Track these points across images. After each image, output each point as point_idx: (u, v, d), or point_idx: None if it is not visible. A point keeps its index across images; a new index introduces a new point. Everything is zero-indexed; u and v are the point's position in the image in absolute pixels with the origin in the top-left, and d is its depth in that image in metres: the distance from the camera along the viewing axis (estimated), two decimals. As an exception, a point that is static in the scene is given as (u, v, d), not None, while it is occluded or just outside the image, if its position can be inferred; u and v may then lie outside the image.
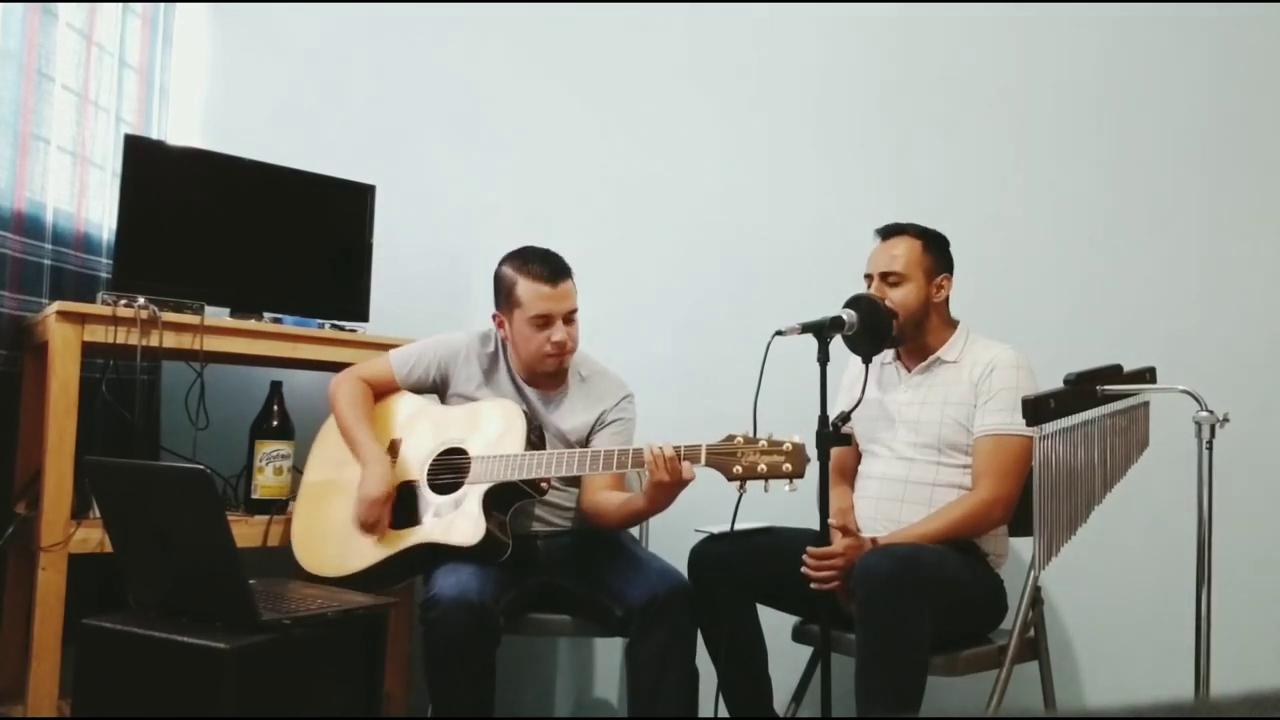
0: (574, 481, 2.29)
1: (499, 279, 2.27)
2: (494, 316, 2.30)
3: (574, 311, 2.25)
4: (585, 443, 2.30)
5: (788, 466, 1.89)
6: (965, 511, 2.03)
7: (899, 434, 2.15)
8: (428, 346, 2.37)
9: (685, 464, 1.94)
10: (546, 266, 2.21)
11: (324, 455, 2.37)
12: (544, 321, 2.20)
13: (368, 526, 2.16)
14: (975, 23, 2.60)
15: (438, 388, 2.35)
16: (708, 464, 1.94)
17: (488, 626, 1.99)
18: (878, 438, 2.19)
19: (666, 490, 1.97)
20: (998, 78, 2.58)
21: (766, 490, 1.91)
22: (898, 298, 2.11)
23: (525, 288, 2.20)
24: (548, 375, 2.29)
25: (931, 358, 2.16)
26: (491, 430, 2.19)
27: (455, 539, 2.09)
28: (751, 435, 1.92)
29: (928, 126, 2.63)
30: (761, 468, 1.90)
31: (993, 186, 2.58)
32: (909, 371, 2.19)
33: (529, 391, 2.32)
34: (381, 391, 2.36)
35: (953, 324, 2.21)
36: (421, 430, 2.28)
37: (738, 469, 1.91)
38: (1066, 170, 2.51)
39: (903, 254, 2.14)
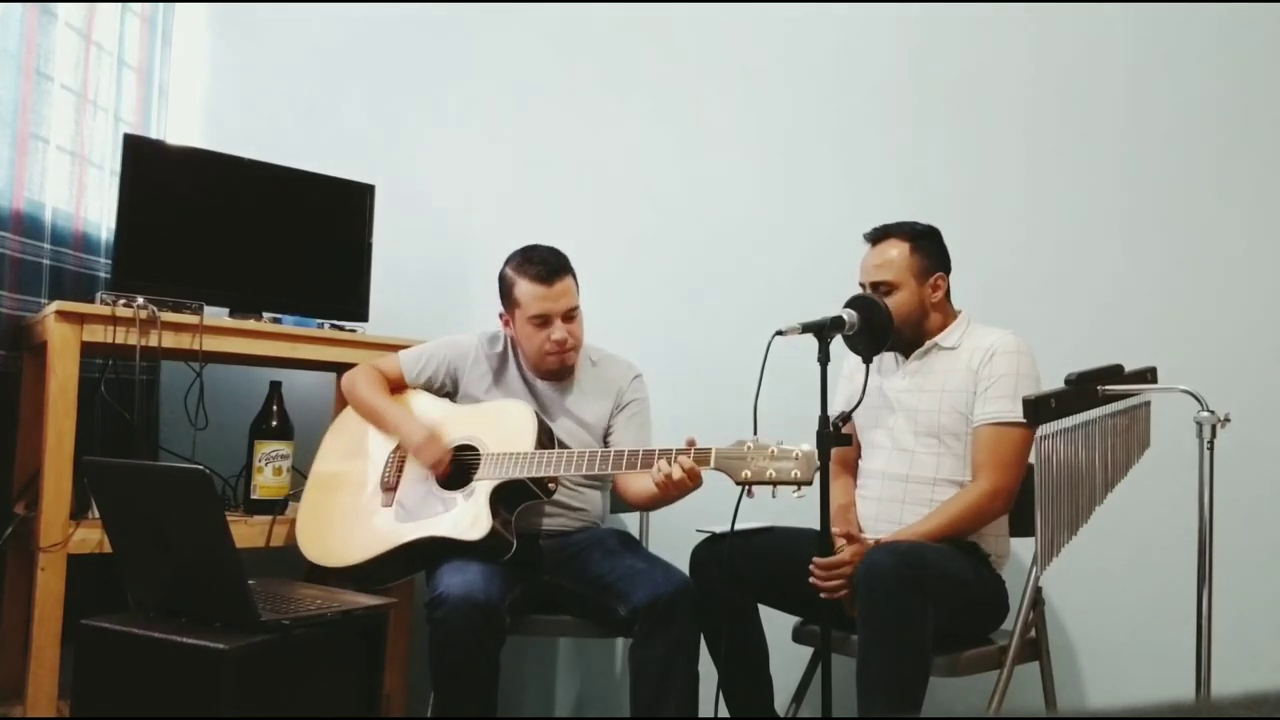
0: (587, 481, 2.30)
1: (501, 279, 2.29)
2: (501, 316, 2.32)
3: (574, 309, 2.25)
4: (607, 429, 2.32)
5: (796, 473, 1.88)
6: (965, 505, 2.02)
7: (898, 422, 2.14)
8: (437, 348, 2.38)
9: (697, 468, 1.95)
10: (543, 266, 2.22)
11: (337, 446, 2.38)
12: (543, 321, 2.22)
13: (439, 467, 2.19)
14: (991, 22, 2.59)
15: (448, 390, 2.36)
16: (716, 467, 1.95)
17: (494, 625, 1.99)
18: (877, 426, 2.18)
19: (681, 489, 1.99)
20: (1011, 77, 2.57)
21: (774, 496, 1.91)
22: (891, 306, 2.06)
23: (523, 288, 2.22)
24: (555, 371, 2.30)
25: (929, 343, 2.15)
26: (503, 428, 2.20)
27: (460, 533, 2.09)
28: (762, 441, 1.92)
29: (939, 126, 2.63)
30: (770, 473, 1.90)
31: (1001, 187, 2.57)
32: (905, 358, 2.18)
33: (541, 386, 2.33)
34: (391, 388, 2.37)
35: (953, 314, 2.19)
36: (433, 427, 2.28)
37: (746, 473, 1.91)
38: (1074, 172, 2.51)
39: (891, 261, 2.12)
